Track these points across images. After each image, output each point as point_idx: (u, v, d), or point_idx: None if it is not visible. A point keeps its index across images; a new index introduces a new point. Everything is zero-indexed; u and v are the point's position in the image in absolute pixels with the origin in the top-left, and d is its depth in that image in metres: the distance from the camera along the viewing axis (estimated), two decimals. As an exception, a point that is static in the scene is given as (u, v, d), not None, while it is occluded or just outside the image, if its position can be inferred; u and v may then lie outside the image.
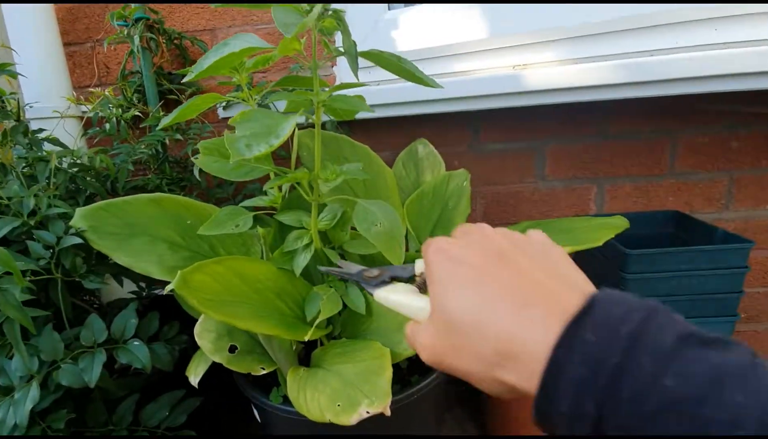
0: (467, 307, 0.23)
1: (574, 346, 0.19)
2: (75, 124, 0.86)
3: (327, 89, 0.45)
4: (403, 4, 0.88)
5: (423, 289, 0.32)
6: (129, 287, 0.79)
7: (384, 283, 0.33)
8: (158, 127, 0.52)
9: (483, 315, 0.22)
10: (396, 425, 0.59)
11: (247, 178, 0.51)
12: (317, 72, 0.46)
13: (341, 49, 0.44)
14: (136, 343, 0.54)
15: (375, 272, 0.34)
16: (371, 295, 0.33)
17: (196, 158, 0.54)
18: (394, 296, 0.32)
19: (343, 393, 0.41)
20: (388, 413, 0.40)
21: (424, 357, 0.26)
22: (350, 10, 0.83)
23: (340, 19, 0.40)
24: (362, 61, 0.78)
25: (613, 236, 0.64)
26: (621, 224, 0.68)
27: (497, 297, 0.23)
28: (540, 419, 0.21)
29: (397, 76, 0.90)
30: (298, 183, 0.54)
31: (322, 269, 0.50)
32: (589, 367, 0.19)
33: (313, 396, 0.42)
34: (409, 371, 0.67)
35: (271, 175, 0.58)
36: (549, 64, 0.79)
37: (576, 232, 0.68)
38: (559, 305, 0.21)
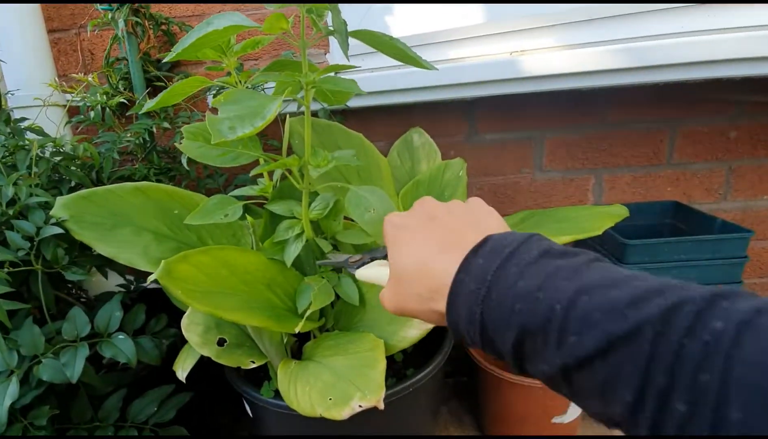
0: (407, 261, 0.29)
1: (469, 269, 0.25)
2: (59, 113, 0.83)
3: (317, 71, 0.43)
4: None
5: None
6: (117, 280, 0.77)
7: (364, 264, 0.38)
8: (141, 112, 0.49)
9: (418, 265, 0.29)
10: (392, 418, 0.58)
11: (234, 164, 0.48)
12: (306, 54, 0.44)
13: (332, 29, 0.42)
14: (120, 336, 0.52)
15: (357, 257, 0.39)
16: (353, 275, 0.39)
17: (180, 143, 0.51)
18: (369, 271, 0.38)
19: (335, 387, 0.39)
20: (381, 406, 0.38)
21: (390, 309, 0.31)
22: (343, -5, 0.81)
23: (329, -4, 0.38)
24: (355, 48, 0.76)
25: (613, 224, 0.63)
26: (620, 212, 0.67)
27: (426, 249, 0.29)
28: (454, 333, 0.27)
29: (392, 63, 0.87)
30: (289, 172, 0.52)
31: (318, 262, 0.50)
32: (477, 282, 0.25)
33: (303, 390, 0.41)
34: (405, 365, 0.66)
35: (261, 162, 0.56)
36: (547, 50, 0.78)
37: (575, 221, 0.66)
38: (468, 245, 0.26)
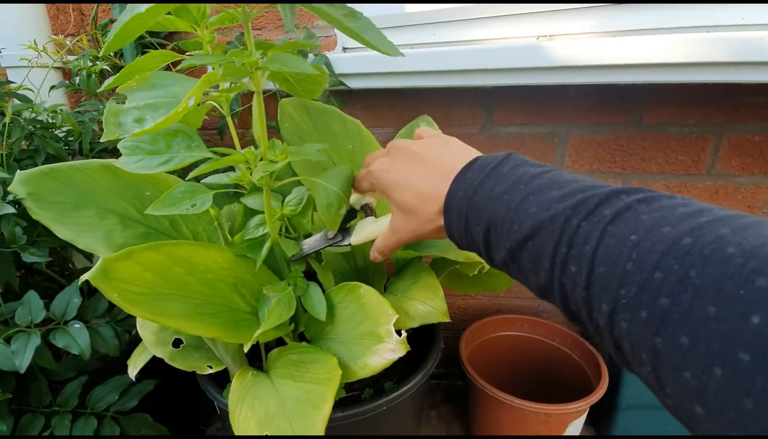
0: (410, 196, 0.36)
1: (461, 181, 0.32)
2: (48, 76, 0.79)
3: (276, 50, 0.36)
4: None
5: (369, 212, 0.45)
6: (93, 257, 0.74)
7: (346, 230, 0.42)
8: (99, 90, 0.44)
9: (420, 197, 0.35)
10: (372, 429, 0.53)
11: (180, 167, 0.42)
12: (250, 28, 0.37)
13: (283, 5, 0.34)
14: (76, 325, 0.49)
15: (331, 233, 0.43)
16: (349, 246, 0.43)
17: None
18: (364, 232, 0.42)
19: (274, 422, 0.34)
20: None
21: (401, 241, 0.38)
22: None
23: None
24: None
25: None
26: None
27: (421, 183, 0.35)
28: (449, 235, 0.34)
29: (400, 42, 0.78)
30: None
31: (294, 257, 0.46)
32: (465, 190, 0.32)
33: (247, 415, 0.36)
34: (385, 376, 0.61)
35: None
36: (579, 36, 0.67)
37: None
38: (455, 170, 0.33)
